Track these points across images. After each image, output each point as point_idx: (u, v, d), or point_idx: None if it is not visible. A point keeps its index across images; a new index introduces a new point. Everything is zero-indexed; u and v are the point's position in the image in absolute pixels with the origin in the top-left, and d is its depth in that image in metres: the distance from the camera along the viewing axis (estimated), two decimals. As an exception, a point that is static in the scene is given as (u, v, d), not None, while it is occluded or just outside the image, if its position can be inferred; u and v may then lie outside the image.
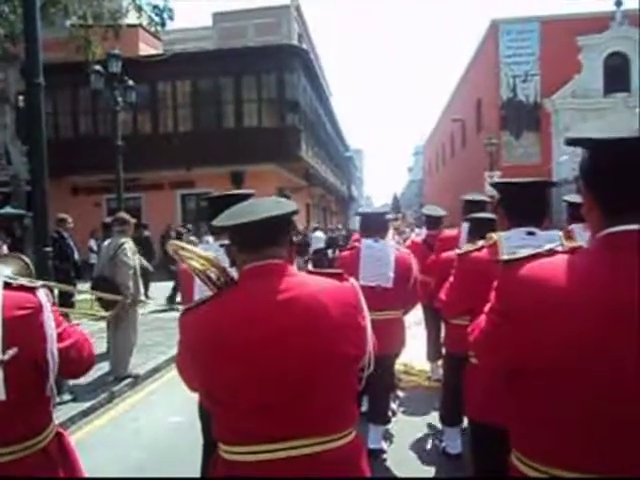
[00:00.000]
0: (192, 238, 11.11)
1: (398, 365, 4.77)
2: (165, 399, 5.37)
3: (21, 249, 6.26)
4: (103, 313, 5.41)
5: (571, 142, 1.28)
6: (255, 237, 1.49)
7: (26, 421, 1.66)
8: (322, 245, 17.67)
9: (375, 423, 3.83)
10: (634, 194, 1.17)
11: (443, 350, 4.27)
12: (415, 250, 4.72)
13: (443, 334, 4.37)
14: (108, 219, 8.63)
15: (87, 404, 4.97)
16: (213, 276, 1.59)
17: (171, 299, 10.56)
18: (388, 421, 4.04)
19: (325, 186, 27.96)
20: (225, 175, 17.76)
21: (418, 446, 4.07)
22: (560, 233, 2.43)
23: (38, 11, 5.19)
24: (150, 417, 4.93)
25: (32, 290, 1.68)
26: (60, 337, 1.70)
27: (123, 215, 6.14)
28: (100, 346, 6.29)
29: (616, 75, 22.39)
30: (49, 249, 5.11)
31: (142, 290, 6.65)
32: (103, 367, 5.83)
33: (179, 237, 10.79)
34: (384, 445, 3.91)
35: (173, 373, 5.96)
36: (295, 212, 1.52)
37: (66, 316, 6.03)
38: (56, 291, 5.35)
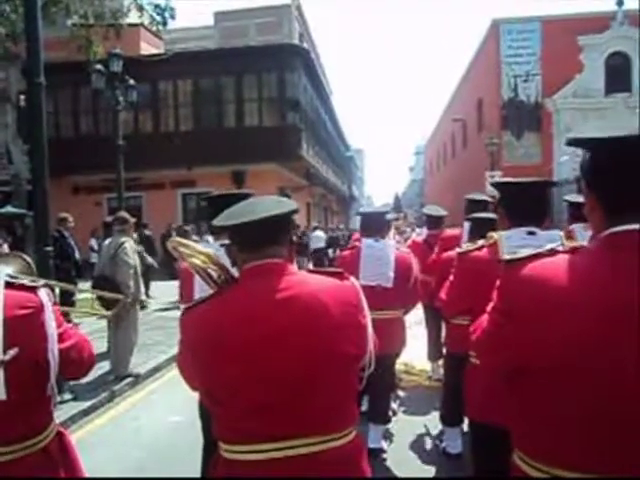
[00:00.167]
0: (195, 237, 11.11)
1: (399, 365, 4.77)
2: (166, 398, 5.38)
3: (22, 248, 6.27)
4: (104, 312, 5.41)
5: (571, 143, 1.29)
6: (255, 236, 1.48)
7: (27, 421, 1.66)
8: (322, 245, 17.68)
9: (375, 423, 3.83)
10: (635, 193, 1.18)
11: (444, 350, 4.27)
12: (416, 250, 4.72)
13: (444, 334, 4.37)
14: (109, 218, 8.63)
15: (88, 403, 4.97)
16: (214, 274, 1.59)
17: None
18: (388, 421, 4.04)
19: (326, 186, 27.95)
20: (226, 174, 17.76)
21: (418, 446, 4.07)
22: (561, 233, 2.43)
23: (39, 10, 5.19)
24: (150, 416, 4.93)
25: (33, 290, 1.68)
26: (61, 338, 1.70)
27: (123, 214, 6.14)
28: (101, 345, 6.29)
29: (617, 75, 22.35)
30: (50, 248, 5.11)
31: (143, 289, 6.66)
32: (104, 366, 5.83)
33: (184, 235, 10.77)
34: (384, 445, 3.91)
35: (174, 372, 5.97)
36: (295, 211, 1.52)
37: (67, 315, 6.05)
38: (57, 290, 5.36)
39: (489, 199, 4.31)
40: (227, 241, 2.08)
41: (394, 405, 4.56)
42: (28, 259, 2.03)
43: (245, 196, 2.24)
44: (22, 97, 12.81)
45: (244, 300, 1.45)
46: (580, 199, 3.78)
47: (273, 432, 1.40)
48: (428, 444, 4.10)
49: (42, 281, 1.77)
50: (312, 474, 1.39)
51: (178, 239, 1.73)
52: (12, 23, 12.05)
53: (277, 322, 1.40)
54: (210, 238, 3.27)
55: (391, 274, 3.66)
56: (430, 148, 49.87)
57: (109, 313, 5.28)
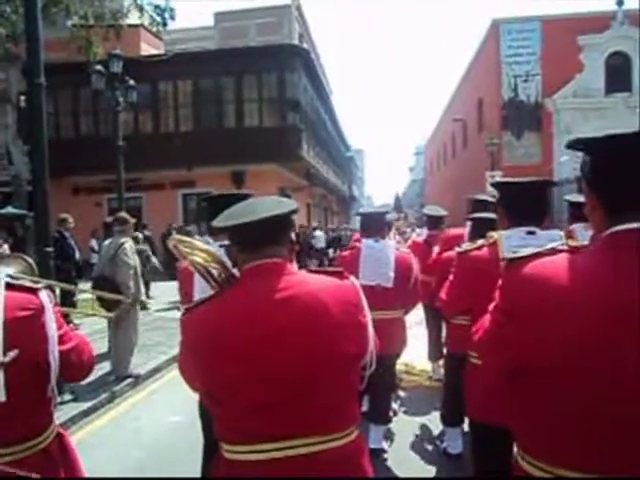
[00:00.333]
0: (197, 237, 11.11)
1: (399, 365, 4.76)
2: (166, 399, 5.38)
3: (23, 249, 6.28)
4: (104, 313, 5.41)
5: (569, 146, 1.30)
6: (255, 237, 1.48)
7: (27, 422, 1.66)
8: (322, 245, 17.70)
9: (376, 423, 3.83)
10: (635, 192, 1.18)
11: (444, 350, 4.27)
12: (416, 250, 4.71)
13: (444, 334, 4.37)
14: (109, 219, 8.63)
15: (88, 404, 4.97)
16: (214, 272, 1.59)
17: None
18: (389, 421, 4.04)
19: (326, 186, 27.95)
20: (226, 175, 17.77)
21: (419, 446, 4.06)
22: (561, 233, 2.43)
23: (39, 11, 5.20)
24: (151, 417, 4.93)
25: (34, 291, 1.68)
26: (61, 340, 1.70)
27: (123, 215, 6.14)
28: (101, 346, 6.29)
29: (617, 75, 22.34)
30: (50, 249, 5.11)
31: (143, 290, 6.66)
32: (104, 367, 5.83)
33: (187, 235, 10.77)
34: (385, 445, 3.91)
35: (174, 373, 5.96)
36: (295, 211, 1.52)
37: (67, 316, 6.05)
38: (58, 290, 5.36)
39: (492, 199, 4.30)
40: (226, 242, 2.08)
41: (395, 405, 4.56)
42: (29, 260, 2.03)
43: (244, 196, 2.24)
44: (22, 98, 12.83)
45: (244, 300, 1.45)
46: (580, 199, 3.78)
47: (273, 432, 1.39)
48: (429, 444, 4.10)
49: (43, 282, 1.77)
50: (313, 474, 1.39)
51: (179, 237, 1.72)
52: (12, 24, 12.07)
53: (277, 322, 1.40)
54: (209, 239, 3.26)
55: (391, 274, 3.66)
56: (430, 148, 49.86)
57: (110, 315, 5.28)
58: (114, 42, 13.44)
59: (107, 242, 6.07)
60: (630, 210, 1.18)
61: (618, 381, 1.12)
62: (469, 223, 3.74)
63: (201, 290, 2.20)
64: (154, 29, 17.86)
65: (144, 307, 9.48)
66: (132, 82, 12.18)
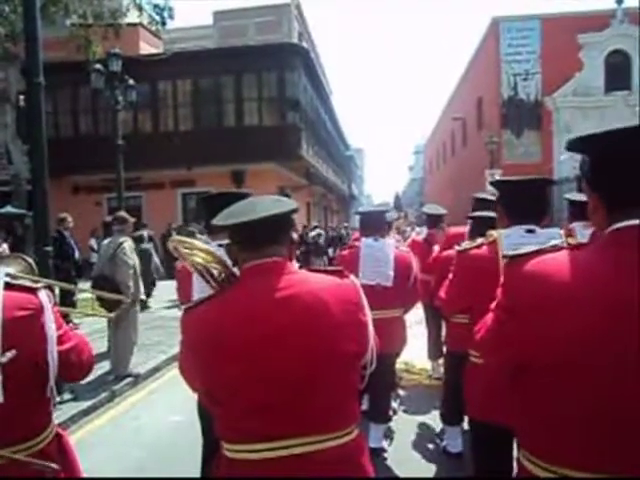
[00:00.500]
0: (199, 237, 11.08)
1: (399, 364, 4.77)
2: (166, 398, 5.38)
3: (22, 248, 6.28)
4: (104, 313, 5.41)
5: (569, 148, 1.31)
6: (255, 236, 1.48)
7: (26, 422, 1.65)
8: (322, 243, 17.70)
9: (376, 422, 3.83)
10: (635, 189, 1.18)
11: (444, 348, 4.27)
12: (416, 249, 4.71)
13: (444, 333, 4.37)
14: (109, 218, 8.63)
15: (88, 403, 4.97)
16: (215, 272, 1.58)
17: None
18: (389, 420, 4.04)
19: (326, 185, 27.94)
20: (226, 174, 17.75)
21: (419, 445, 4.06)
22: (561, 231, 2.43)
23: (38, 10, 5.19)
24: (151, 416, 4.93)
25: (33, 291, 1.68)
26: (60, 340, 1.70)
27: (122, 214, 6.14)
28: (101, 345, 6.29)
29: (617, 73, 22.33)
30: (50, 248, 5.10)
31: (143, 289, 6.65)
32: (104, 366, 5.83)
33: (190, 234, 10.76)
34: (385, 444, 3.91)
35: (174, 372, 5.96)
36: (295, 210, 1.52)
37: (67, 316, 6.05)
38: (57, 290, 5.36)
39: (493, 198, 4.29)
40: (225, 241, 2.07)
41: (394, 404, 4.56)
42: (29, 260, 2.02)
43: (243, 196, 2.24)
44: (21, 97, 12.82)
45: (244, 299, 1.45)
46: (580, 197, 3.78)
47: (274, 431, 1.39)
48: (428, 443, 4.10)
49: (42, 282, 1.77)
50: (313, 473, 1.39)
51: (178, 238, 1.72)
52: (11, 23, 12.07)
53: (277, 321, 1.40)
54: (208, 238, 3.26)
55: (391, 273, 3.66)
56: (430, 147, 49.85)
57: (110, 315, 5.27)
58: (113, 41, 13.44)
59: (106, 241, 6.07)
60: (631, 207, 1.18)
61: (619, 378, 1.12)
62: (469, 222, 3.73)
63: (200, 289, 2.20)
64: (153, 28, 17.86)
65: (145, 307, 9.49)
66: (131, 81, 12.16)
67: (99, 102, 16.57)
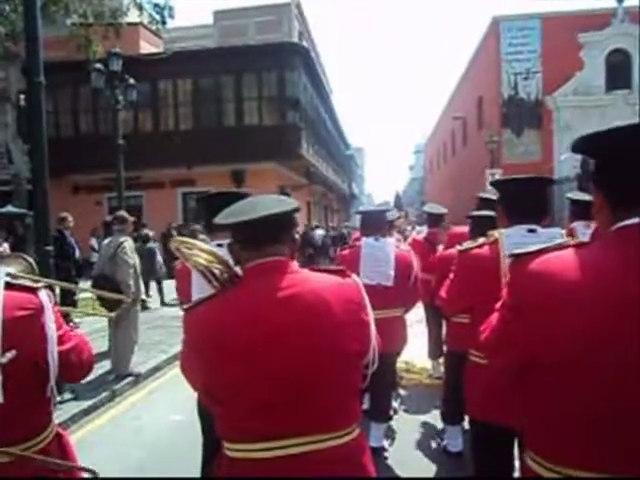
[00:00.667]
0: (202, 236, 11.09)
1: (399, 363, 4.77)
2: (166, 398, 5.38)
3: (23, 248, 6.28)
4: (105, 313, 5.41)
5: (574, 149, 1.31)
6: (257, 235, 1.48)
7: (26, 422, 1.65)
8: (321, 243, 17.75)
9: (377, 421, 3.83)
10: (637, 186, 1.18)
11: (444, 348, 4.26)
12: (416, 248, 4.70)
13: (444, 332, 4.37)
14: (109, 217, 8.64)
15: (88, 402, 4.97)
16: (217, 272, 1.58)
17: None
18: (390, 419, 4.04)
19: (326, 184, 27.94)
20: (226, 173, 17.75)
21: (419, 444, 4.06)
22: (562, 231, 2.42)
23: (39, 10, 5.18)
24: (151, 416, 4.93)
25: (34, 291, 1.68)
26: (61, 340, 1.70)
27: (122, 214, 6.13)
28: (102, 345, 6.29)
29: (617, 72, 22.32)
30: (50, 248, 5.10)
31: (143, 289, 6.66)
32: (104, 366, 5.83)
33: (192, 234, 10.78)
34: (385, 443, 3.91)
35: (174, 371, 5.97)
36: (297, 210, 1.52)
37: (67, 316, 6.05)
38: (57, 289, 5.36)
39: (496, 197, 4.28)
40: (224, 241, 2.07)
41: (395, 403, 4.56)
42: (30, 260, 2.02)
43: (242, 195, 2.24)
44: (22, 96, 12.82)
45: (246, 299, 1.45)
46: (582, 196, 3.78)
47: (276, 430, 1.39)
48: (429, 442, 4.10)
49: (43, 282, 1.77)
50: (315, 473, 1.39)
51: (180, 238, 1.72)
52: (12, 22, 12.07)
53: (280, 320, 1.40)
54: (207, 237, 3.26)
55: (391, 273, 3.66)
56: (430, 146, 49.84)
57: (111, 315, 5.27)
58: (113, 40, 13.43)
59: (106, 241, 6.07)
60: (636, 205, 1.18)
61: (625, 377, 1.11)
62: (469, 221, 3.73)
63: (199, 289, 2.19)
64: (153, 27, 17.85)
65: (145, 307, 9.52)
66: (132, 80, 12.16)
67: (99, 101, 16.56)
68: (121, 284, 5.46)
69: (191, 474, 3.01)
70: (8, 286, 1.63)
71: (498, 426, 2.16)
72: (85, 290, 6.07)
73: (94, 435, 4.52)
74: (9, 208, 7.91)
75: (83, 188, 19.15)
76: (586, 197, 3.87)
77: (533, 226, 2.26)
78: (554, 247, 1.30)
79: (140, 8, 14.77)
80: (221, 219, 1.50)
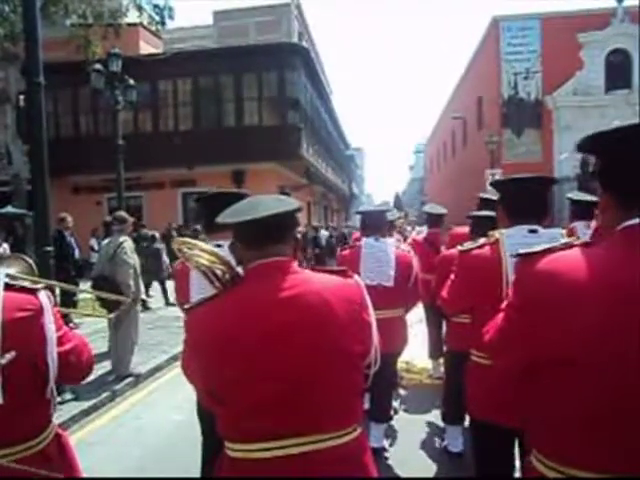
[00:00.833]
0: (203, 237, 11.10)
1: (400, 363, 4.76)
2: (166, 398, 5.38)
3: (23, 249, 6.28)
4: (105, 314, 5.40)
5: (578, 148, 1.31)
6: (258, 235, 1.48)
7: (25, 423, 1.65)
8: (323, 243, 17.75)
9: (377, 421, 3.83)
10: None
11: (444, 348, 4.26)
12: (416, 248, 4.70)
13: (444, 332, 4.36)
14: (109, 218, 8.64)
15: (89, 403, 4.97)
16: (219, 272, 1.58)
17: None
18: (390, 419, 4.04)
19: (326, 184, 27.94)
20: (226, 174, 17.76)
21: (419, 444, 4.06)
22: (563, 231, 2.42)
23: (38, 10, 5.18)
24: (151, 416, 4.93)
25: (33, 292, 1.67)
26: (60, 341, 1.69)
27: (122, 214, 6.13)
28: (102, 345, 6.29)
29: (617, 72, 22.34)
30: (50, 248, 5.10)
31: (143, 289, 6.66)
32: (105, 366, 5.83)
33: (194, 234, 10.79)
34: (386, 443, 3.91)
35: (175, 372, 5.97)
36: (299, 210, 1.52)
37: (67, 315, 6.05)
38: (57, 290, 5.35)
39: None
40: (223, 241, 2.06)
41: (395, 404, 4.55)
42: (30, 261, 2.02)
43: (241, 196, 2.24)
44: (22, 97, 12.83)
45: (248, 299, 1.45)
46: (582, 196, 3.78)
47: (277, 430, 1.39)
48: (429, 442, 4.09)
49: (42, 283, 1.76)
50: (316, 472, 1.39)
51: (181, 239, 1.72)
52: (11, 23, 12.08)
53: (281, 320, 1.40)
54: (206, 237, 3.26)
55: (392, 273, 3.65)
56: (430, 146, 49.86)
57: (111, 315, 5.27)
58: (113, 41, 13.45)
59: (106, 241, 6.07)
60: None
61: (628, 378, 1.11)
62: (469, 221, 3.73)
63: (198, 289, 2.19)
64: (153, 28, 17.87)
65: (146, 307, 9.52)
66: (131, 81, 12.15)
67: (99, 102, 16.57)
68: (121, 284, 5.46)
69: (191, 474, 3.01)
70: (8, 287, 1.63)
71: (499, 426, 2.16)
72: (85, 291, 6.06)
73: (94, 435, 4.52)
74: (9, 209, 7.93)
75: (83, 189, 19.15)
76: (586, 197, 3.87)
77: (534, 226, 2.25)
78: (560, 247, 1.29)
79: (140, 9, 14.80)
80: (224, 218, 1.50)
